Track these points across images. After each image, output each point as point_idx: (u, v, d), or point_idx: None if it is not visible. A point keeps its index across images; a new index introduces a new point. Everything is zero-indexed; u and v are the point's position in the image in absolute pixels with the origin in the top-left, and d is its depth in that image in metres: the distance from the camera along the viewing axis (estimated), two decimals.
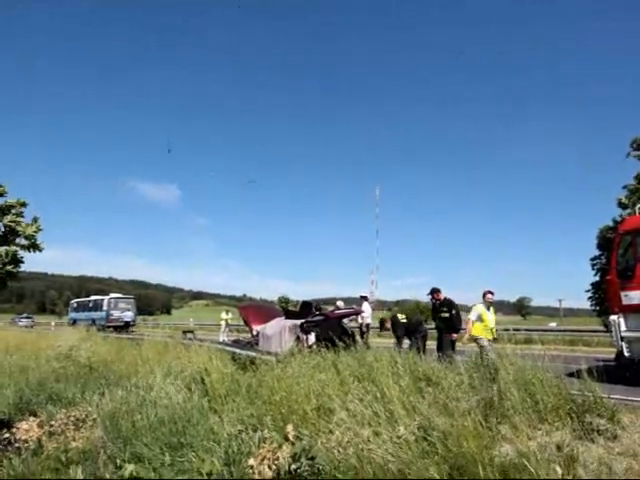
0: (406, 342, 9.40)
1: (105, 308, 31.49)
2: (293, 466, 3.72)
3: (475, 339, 8.03)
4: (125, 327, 30.17)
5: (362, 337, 10.39)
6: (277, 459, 3.97)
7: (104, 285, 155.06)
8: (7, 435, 5.85)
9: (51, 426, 6.13)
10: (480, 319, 8.12)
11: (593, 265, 37.62)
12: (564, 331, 18.56)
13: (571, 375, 5.86)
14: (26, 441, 5.75)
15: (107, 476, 4.05)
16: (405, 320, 9.63)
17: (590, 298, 36.94)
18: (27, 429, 6.02)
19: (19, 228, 4.97)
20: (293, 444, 4.09)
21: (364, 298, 12.42)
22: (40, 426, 6.17)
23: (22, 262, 5.10)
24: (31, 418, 6.49)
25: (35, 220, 4.81)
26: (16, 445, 5.65)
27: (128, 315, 32.05)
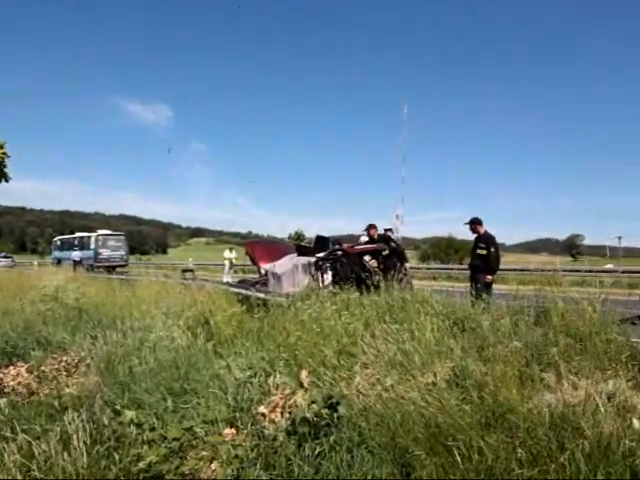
0: None
1: (93, 246, 32.20)
2: (309, 414, 3.84)
3: None
4: (116, 267, 30.98)
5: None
6: (291, 407, 4.14)
7: (90, 221, 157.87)
8: None
9: (41, 371, 6.46)
10: None
11: None
12: (623, 272, 18.38)
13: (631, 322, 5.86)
14: (14, 387, 6.08)
15: (106, 422, 4.29)
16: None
17: None
18: (15, 374, 6.35)
19: None
20: (308, 391, 4.24)
21: (388, 231, 12.34)
22: (29, 371, 6.50)
23: None
24: (19, 363, 6.81)
25: (0, 146, 4.63)
26: (5, 391, 6.00)
27: (118, 254, 32.86)
